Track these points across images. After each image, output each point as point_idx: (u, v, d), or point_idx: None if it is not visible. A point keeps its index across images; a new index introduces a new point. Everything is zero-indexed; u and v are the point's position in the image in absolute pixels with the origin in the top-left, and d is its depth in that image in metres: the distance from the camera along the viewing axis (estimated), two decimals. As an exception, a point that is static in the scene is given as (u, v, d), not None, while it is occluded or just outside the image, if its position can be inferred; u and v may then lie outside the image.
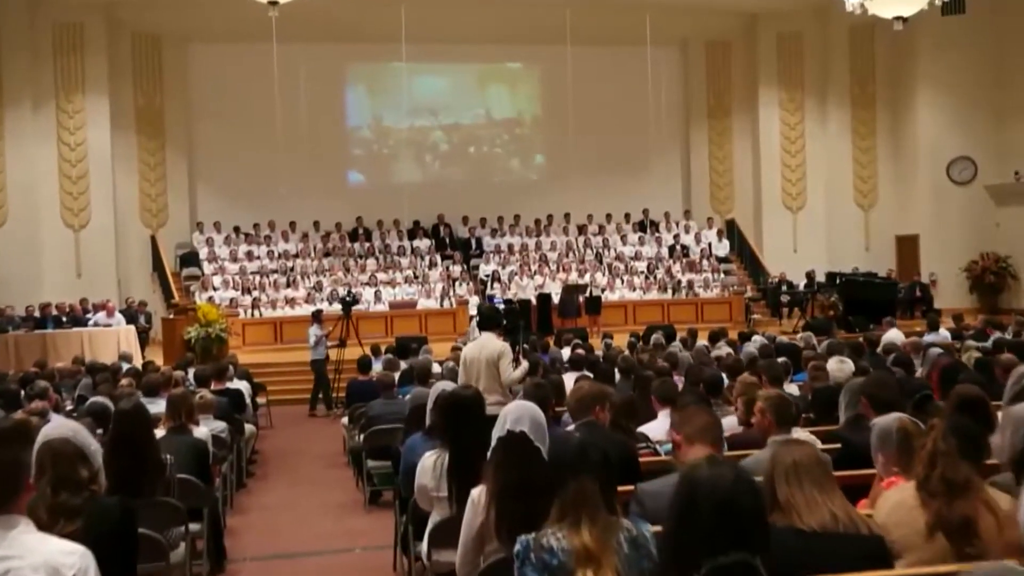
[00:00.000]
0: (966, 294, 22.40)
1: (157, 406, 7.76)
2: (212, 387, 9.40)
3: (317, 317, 15.27)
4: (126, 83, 21.52)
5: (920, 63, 22.86)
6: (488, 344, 7.03)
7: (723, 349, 10.69)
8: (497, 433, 3.19)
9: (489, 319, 7.16)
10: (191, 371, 10.39)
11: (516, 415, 3.16)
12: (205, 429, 6.38)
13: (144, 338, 18.07)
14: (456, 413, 3.92)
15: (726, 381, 7.07)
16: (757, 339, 12.67)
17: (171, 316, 16.44)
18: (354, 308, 19.24)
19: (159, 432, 6.16)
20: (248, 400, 10.31)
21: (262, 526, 7.81)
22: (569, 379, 8.11)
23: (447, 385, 4.85)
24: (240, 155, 21.94)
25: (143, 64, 21.74)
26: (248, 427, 9.68)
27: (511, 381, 6.94)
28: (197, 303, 17.12)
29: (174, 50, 21.96)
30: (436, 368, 9.83)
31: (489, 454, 3.18)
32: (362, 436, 8.60)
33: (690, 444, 3.34)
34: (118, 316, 17.56)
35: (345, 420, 10.41)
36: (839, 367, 6.76)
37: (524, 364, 7.19)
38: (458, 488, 3.82)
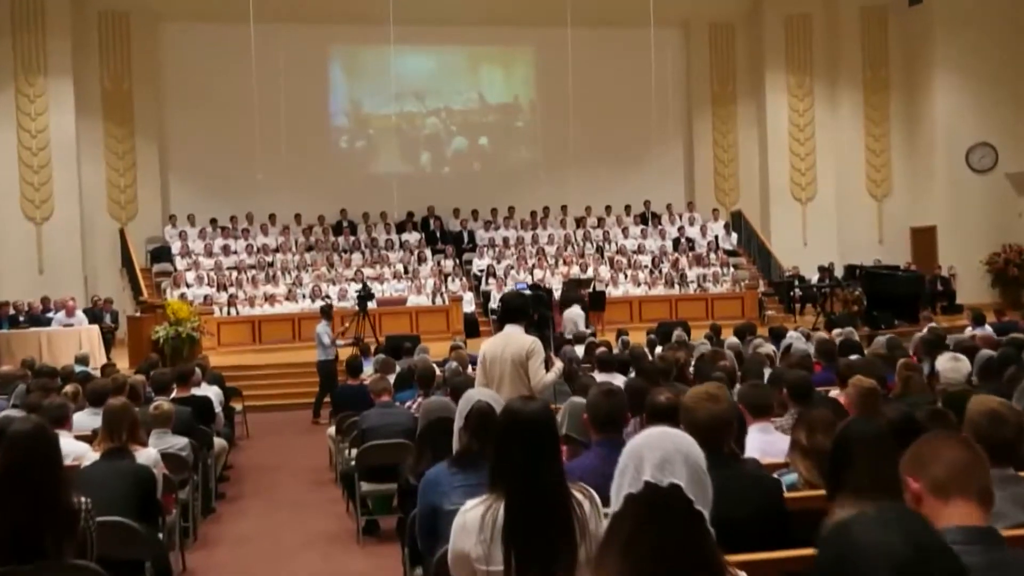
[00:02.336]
0: (987, 288, 21.20)
1: (105, 418, 6.39)
2: (176, 394, 7.99)
3: (327, 313, 13.90)
4: (92, 64, 20.07)
5: (936, 44, 21.69)
6: (513, 339, 5.63)
7: (765, 347, 9.32)
8: (625, 484, 1.79)
9: (514, 309, 5.74)
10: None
11: (660, 455, 1.74)
12: (152, 452, 4.94)
13: (110, 339, 16.56)
14: (519, 441, 2.53)
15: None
16: (793, 335, 11.37)
17: (138, 314, 14.93)
18: (336, 306, 17.96)
19: (93, 456, 4.75)
20: (219, 408, 8.86)
21: (233, 566, 6.38)
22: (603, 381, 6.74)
23: (484, 394, 3.46)
24: (216, 143, 20.49)
25: (110, 44, 20.23)
26: (218, 441, 8.24)
27: (543, 386, 5.54)
28: (167, 300, 15.63)
29: (144, 29, 20.45)
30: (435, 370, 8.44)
31: (610, 524, 1.79)
32: (353, 451, 7.20)
33: (942, 498, 1.98)
34: (79, 315, 16.06)
35: (332, 431, 8.99)
36: (952, 366, 5.42)
37: (558, 364, 5.78)
38: (521, 560, 2.44)
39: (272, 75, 19.99)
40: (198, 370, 8.86)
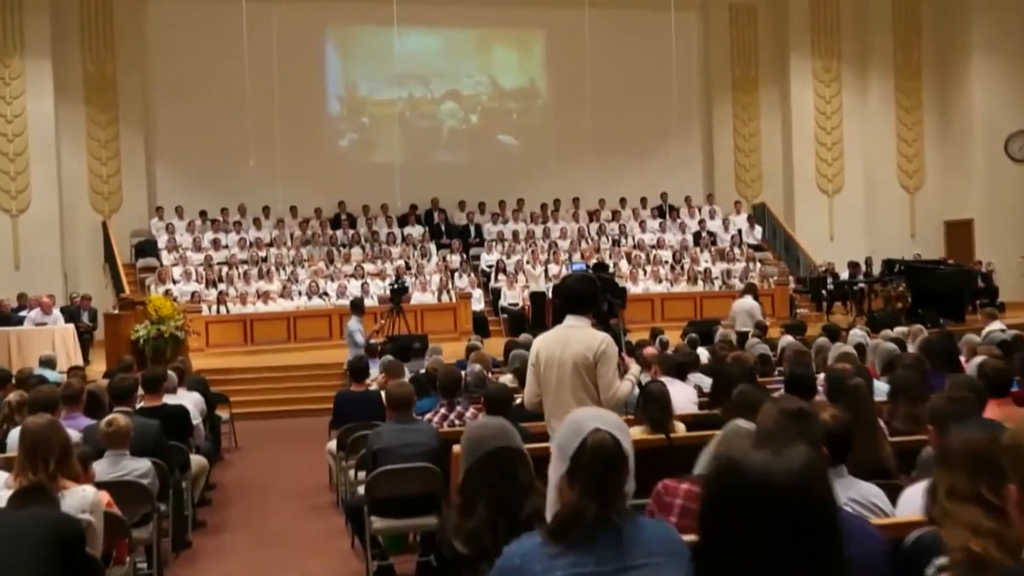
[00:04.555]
0: (1028, 286, 19.89)
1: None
2: (144, 403, 6.63)
3: (358, 308, 12.61)
4: (73, 45, 18.68)
5: (973, 26, 20.44)
6: (577, 336, 4.25)
7: (843, 347, 7.97)
8: None
9: (579, 296, 4.31)
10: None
11: None
12: (88, 492, 3.54)
13: (88, 339, 15.21)
14: (766, 532, 1.18)
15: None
16: (857, 333, 10.08)
17: (116, 312, 13.55)
18: (336, 303, 16.67)
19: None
20: (198, 419, 7.48)
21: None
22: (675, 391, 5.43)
23: (602, 420, 2.07)
24: (205, 130, 19.11)
25: (93, 23, 18.84)
26: (196, 459, 6.86)
27: (616, 401, 4.17)
28: (149, 296, 14.25)
29: (129, 8, 19.05)
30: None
31: None
32: (361, 474, 5.86)
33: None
34: (55, 313, 14.66)
35: (332, 445, 7.63)
36: None
37: (634, 369, 4.40)
38: None
39: (265, 58, 18.71)
40: (172, 374, 7.47)
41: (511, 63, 21.67)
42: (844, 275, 18.65)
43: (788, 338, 9.72)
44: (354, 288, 17.26)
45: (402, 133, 20.82)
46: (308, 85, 20.17)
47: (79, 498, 3.42)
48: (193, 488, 6.72)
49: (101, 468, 4.79)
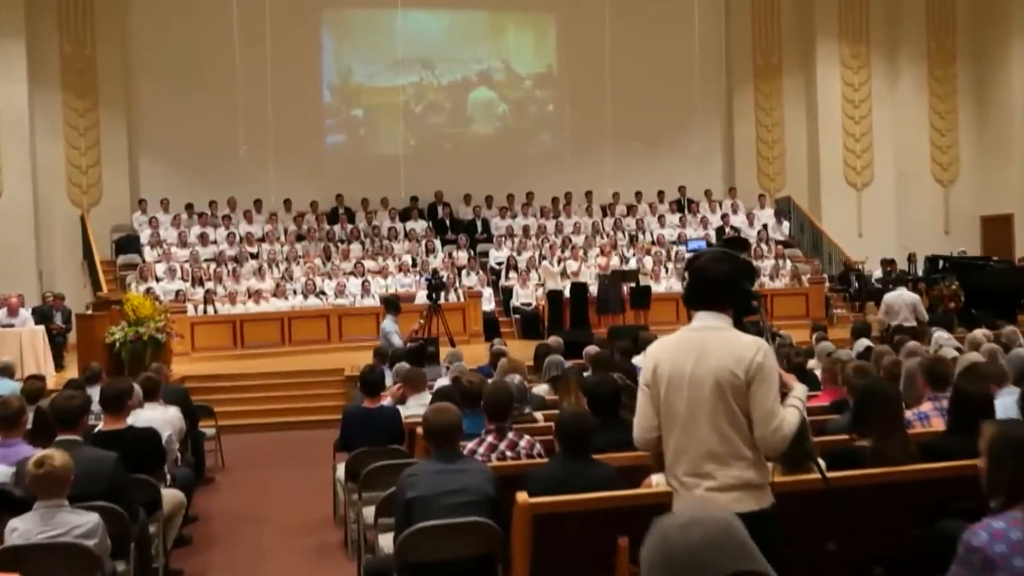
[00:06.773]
0: (1072, 285, 18.59)
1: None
2: (104, 426, 5.26)
3: (392, 305, 11.30)
4: (49, 26, 17.38)
5: (1013, 8, 19.23)
6: (716, 343, 2.89)
7: (947, 349, 6.65)
8: None
9: (718, 283, 2.92)
10: (95, 392, 6.18)
11: None
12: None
13: (61, 342, 13.83)
14: None
15: None
16: (942, 336, 8.77)
17: (89, 312, 12.15)
18: (333, 303, 15.35)
19: None
20: (169, 433, 6.06)
21: None
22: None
23: None
24: (193, 118, 17.79)
25: (70, 1, 17.44)
26: (170, 494, 5.47)
27: (782, 439, 2.82)
28: (126, 295, 12.87)
29: (110, -15, 17.74)
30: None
31: None
32: (382, 520, 4.51)
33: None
34: (23, 314, 13.27)
35: (341, 473, 6.26)
36: None
37: (799, 389, 3.01)
38: None
39: (258, 40, 17.58)
40: (138, 389, 6.06)
41: (519, 51, 20.26)
42: (877, 272, 17.42)
43: (864, 341, 8.41)
44: (354, 287, 15.95)
45: (404, 122, 19.50)
46: (303, 70, 18.85)
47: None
48: (166, 531, 5.35)
49: (27, 526, 3.44)
